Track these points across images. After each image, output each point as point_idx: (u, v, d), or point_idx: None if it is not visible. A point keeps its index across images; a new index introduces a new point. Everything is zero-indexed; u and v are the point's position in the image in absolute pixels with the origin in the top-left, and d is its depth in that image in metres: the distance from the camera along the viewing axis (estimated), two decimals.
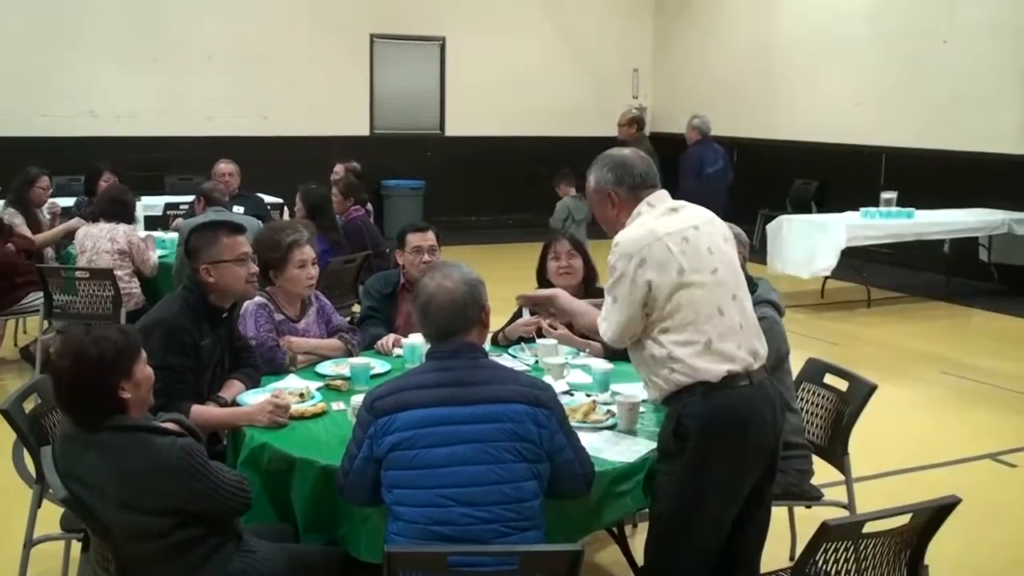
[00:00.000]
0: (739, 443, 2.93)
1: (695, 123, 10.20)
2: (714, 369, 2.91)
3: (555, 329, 4.05)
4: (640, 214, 3.06)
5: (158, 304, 3.76)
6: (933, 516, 2.65)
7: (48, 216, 7.73)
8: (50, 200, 7.76)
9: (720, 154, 10.19)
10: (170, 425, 2.77)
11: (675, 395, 2.97)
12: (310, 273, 4.18)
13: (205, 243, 3.63)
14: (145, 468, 2.62)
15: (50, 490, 2.81)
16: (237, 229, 3.76)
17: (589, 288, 4.44)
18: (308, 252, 4.18)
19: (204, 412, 3.40)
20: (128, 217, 6.61)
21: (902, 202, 9.85)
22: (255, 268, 3.76)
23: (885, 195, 9.92)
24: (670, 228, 2.97)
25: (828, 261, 9.11)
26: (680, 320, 2.91)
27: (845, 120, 11.93)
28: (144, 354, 2.79)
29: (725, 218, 3.24)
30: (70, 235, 7.04)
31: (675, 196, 3.15)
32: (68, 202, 8.28)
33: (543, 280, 4.51)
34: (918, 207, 9.88)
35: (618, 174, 3.11)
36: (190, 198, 8.59)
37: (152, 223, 8.38)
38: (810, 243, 9.27)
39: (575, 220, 8.84)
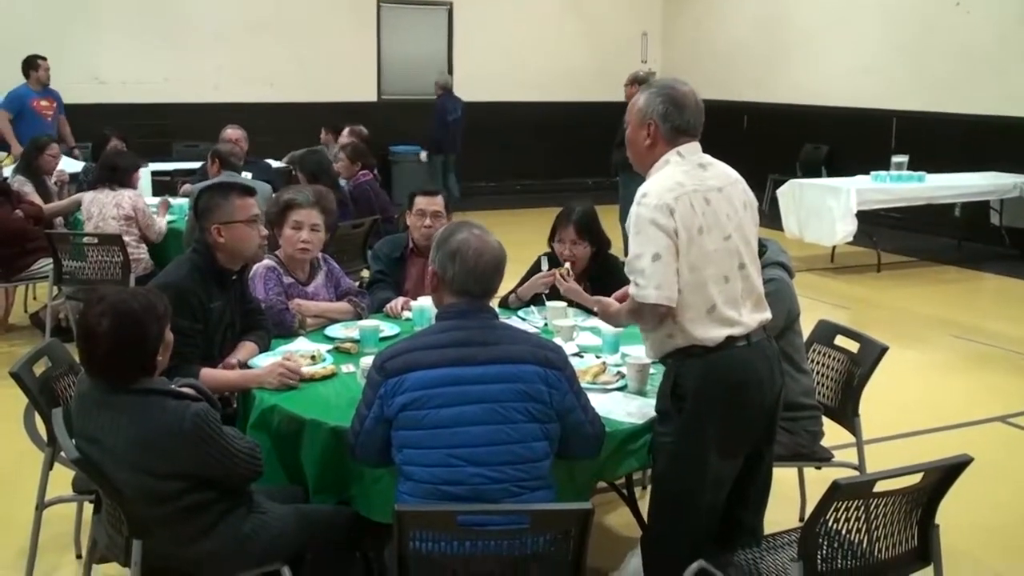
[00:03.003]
0: (735, 402, 2.91)
1: (440, 80, 12.13)
2: (712, 335, 2.88)
3: (567, 281, 3.96)
4: (668, 163, 2.96)
5: (167, 267, 3.76)
6: (945, 475, 2.65)
7: (56, 184, 7.72)
8: (58, 168, 7.75)
9: (459, 104, 11.98)
10: (186, 390, 2.76)
11: (672, 354, 2.95)
12: (302, 237, 4.08)
13: (217, 203, 3.61)
14: (159, 432, 2.61)
15: (61, 452, 2.81)
16: (248, 191, 3.75)
17: (601, 259, 4.39)
18: (305, 215, 4.09)
19: (214, 374, 3.40)
20: (122, 180, 6.57)
21: (913, 166, 9.79)
22: (265, 231, 3.75)
23: (896, 159, 9.88)
24: (696, 185, 2.91)
25: (848, 227, 9.05)
26: (687, 282, 2.86)
27: (855, 84, 11.82)
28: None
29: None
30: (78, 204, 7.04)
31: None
32: (76, 167, 8.27)
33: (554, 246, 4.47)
34: (929, 171, 9.83)
35: (667, 109, 2.96)
36: (197, 164, 8.59)
37: (160, 189, 8.38)
38: (825, 210, 9.22)
39: None
